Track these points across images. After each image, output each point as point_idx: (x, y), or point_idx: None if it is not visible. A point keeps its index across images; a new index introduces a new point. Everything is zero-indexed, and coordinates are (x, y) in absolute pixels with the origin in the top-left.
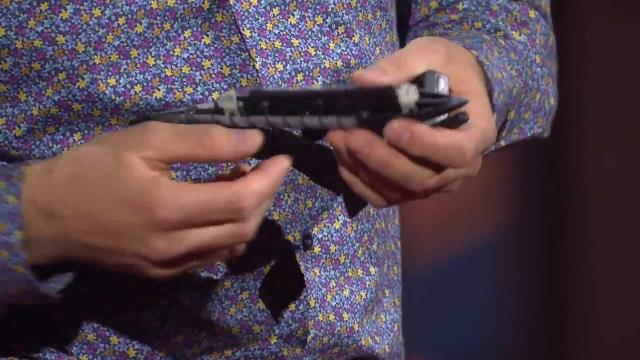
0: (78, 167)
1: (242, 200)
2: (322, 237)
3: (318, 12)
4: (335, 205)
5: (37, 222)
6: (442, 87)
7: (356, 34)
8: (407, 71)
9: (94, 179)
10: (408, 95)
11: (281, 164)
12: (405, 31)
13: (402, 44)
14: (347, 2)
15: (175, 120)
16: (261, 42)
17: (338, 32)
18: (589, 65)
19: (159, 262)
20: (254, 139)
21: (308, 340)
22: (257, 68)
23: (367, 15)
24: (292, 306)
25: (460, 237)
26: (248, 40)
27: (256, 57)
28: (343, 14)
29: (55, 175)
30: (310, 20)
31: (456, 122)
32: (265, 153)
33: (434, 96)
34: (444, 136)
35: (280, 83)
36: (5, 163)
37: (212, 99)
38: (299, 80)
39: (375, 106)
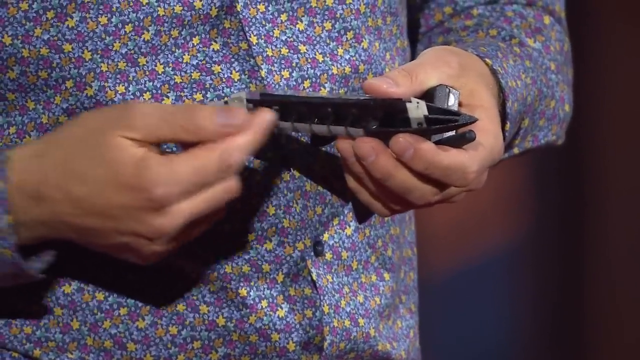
0: (66, 151)
1: (230, 156)
2: (333, 244)
3: (327, 17)
4: (346, 212)
5: (25, 206)
6: (452, 102)
7: (365, 39)
8: (419, 84)
9: (83, 163)
10: (418, 110)
11: (264, 116)
12: (417, 37)
13: (414, 49)
14: (356, 7)
15: None
16: (267, 49)
17: (347, 38)
18: (607, 71)
19: (158, 237)
20: (239, 116)
21: (325, 347)
22: (263, 75)
23: (377, 21)
24: (309, 313)
25: (477, 245)
26: (254, 47)
27: (262, 64)
28: (352, 19)
29: (44, 159)
30: (319, 26)
31: (462, 140)
32: (271, 158)
33: (443, 112)
34: (448, 156)
35: (286, 90)
36: None
37: (224, 98)
38: (305, 87)
39: (385, 118)
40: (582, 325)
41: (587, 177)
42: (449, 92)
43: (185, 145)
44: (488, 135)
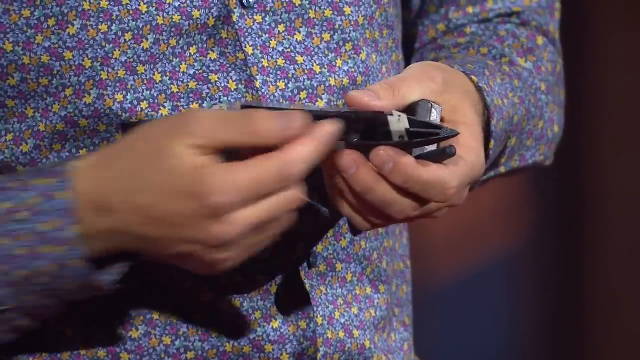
0: (127, 162)
1: (292, 167)
2: (327, 255)
3: (325, 28)
4: (341, 224)
5: (91, 217)
6: (434, 117)
7: (363, 51)
8: (401, 97)
9: (145, 172)
10: (399, 123)
11: (326, 127)
12: (410, 52)
13: (407, 65)
14: (355, 19)
15: None
16: (263, 60)
17: (346, 49)
18: (606, 78)
19: (218, 245)
20: (298, 120)
21: (318, 358)
22: (258, 86)
23: (374, 33)
24: (303, 324)
25: (476, 253)
26: (250, 58)
27: (257, 74)
28: (350, 30)
29: (106, 171)
30: (317, 37)
31: (443, 155)
32: None
33: (425, 125)
34: (427, 171)
35: (281, 101)
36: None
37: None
38: (302, 98)
39: (366, 131)
40: (582, 332)
41: (586, 185)
42: (431, 106)
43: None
44: (469, 151)
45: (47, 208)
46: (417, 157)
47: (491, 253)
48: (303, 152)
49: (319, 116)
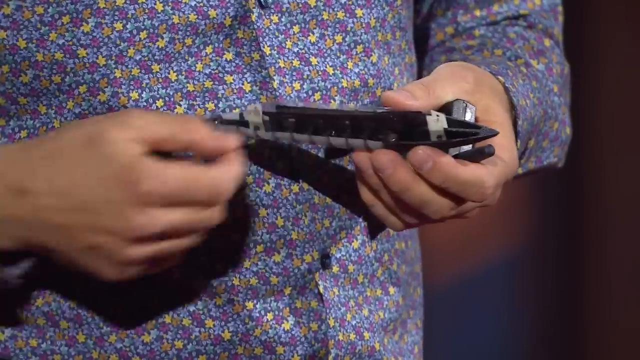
0: (56, 145)
1: (223, 185)
2: (340, 257)
3: (337, 30)
4: (354, 225)
5: (5, 200)
6: (469, 117)
7: (375, 53)
8: (436, 98)
9: (73, 156)
10: (437, 123)
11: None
12: (419, 55)
13: (418, 67)
14: (367, 21)
15: None
16: (279, 60)
17: (357, 52)
18: (608, 79)
19: (133, 239)
20: (232, 142)
21: None
22: (275, 87)
23: (387, 35)
24: (315, 326)
25: (478, 255)
26: (267, 58)
27: (274, 75)
28: (362, 33)
29: (32, 153)
30: (330, 39)
31: (481, 155)
32: (281, 170)
33: (463, 125)
34: (466, 170)
35: (297, 102)
36: None
37: (239, 109)
38: (315, 100)
39: (403, 130)
40: (583, 334)
41: (587, 186)
42: (466, 106)
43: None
44: (504, 151)
45: None
46: (455, 157)
47: (492, 255)
48: (235, 173)
49: (355, 117)
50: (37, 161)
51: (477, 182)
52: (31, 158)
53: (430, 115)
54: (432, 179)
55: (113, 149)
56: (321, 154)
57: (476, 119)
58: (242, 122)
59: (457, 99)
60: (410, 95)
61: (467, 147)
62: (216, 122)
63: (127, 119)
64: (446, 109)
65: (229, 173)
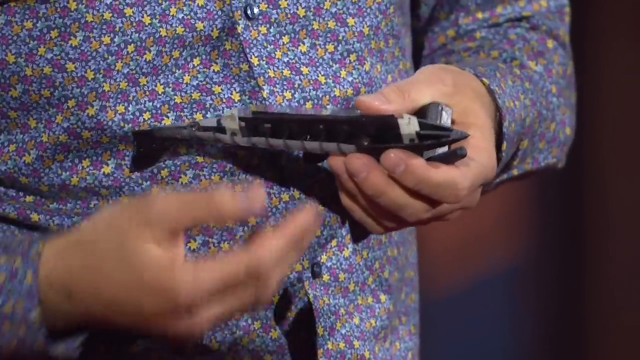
0: (91, 258)
1: (260, 265)
2: (330, 265)
3: (329, 40)
4: (344, 234)
5: (55, 299)
6: (445, 119)
7: (367, 61)
8: (412, 101)
9: (109, 266)
10: (409, 126)
11: (302, 219)
12: (420, 60)
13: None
14: (359, 30)
15: (178, 136)
16: (269, 70)
17: (350, 60)
18: (610, 87)
19: (183, 336)
20: (259, 199)
21: None
22: (265, 96)
23: (380, 43)
24: (303, 335)
25: (478, 264)
26: (256, 68)
27: (264, 85)
28: (354, 41)
29: (69, 261)
30: (321, 48)
31: (453, 157)
32: (271, 179)
33: (435, 128)
34: (438, 172)
35: (288, 111)
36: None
37: (216, 115)
38: (307, 109)
39: (377, 134)
40: (585, 342)
41: (589, 194)
42: (442, 109)
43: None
44: (481, 152)
45: (10, 288)
46: (428, 160)
47: (493, 263)
48: (272, 250)
49: (328, 121)
50: (77, 273)
51: (449, 183)
52: (71, 268)
53: (402, 118)
54: (405, 181)
55: (142, 261)
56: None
57: (453, 121)
58: (219, 129)
59: (433, 102)
60: (385, 98)
61: (443, 150)
62: (194, 128)
63: (149, 218)
64: (422, 111)
65: (264, 251)
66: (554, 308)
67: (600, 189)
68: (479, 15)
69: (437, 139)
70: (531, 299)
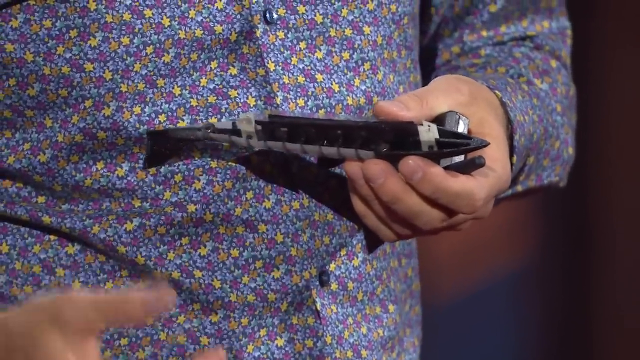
0: (7, 344)
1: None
2: (339, 274)
3: (345, 47)
4: (354, 242)
5: None
6: (462, 129)
7: (380, 71)
8: (429, 109)
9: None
10: (429, 133)
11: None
12: (425, 75)
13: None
14: (374, 39)
15: (192, 137)
16: (284, 77)
17: (364, 69)
18: (613, 95)
19: None
20: (167, 300)
21: None
22: (278, 102)
23: (392, 53)
24: (310, 343)
25: (483, 271)
26: (271, 74)
27: (278, 91)
28: (369, 50)
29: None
30: (337, 56)
31: (472, 166)
32: (282, 185)
33: (455, 136)
34: (456, 182)
35: (293, 112)
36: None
37: (231, 119)
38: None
39: (395, 141)
40: (589, 348)
41: (592, 200)
42: (459, 118)
43: None
44: (497, 163)
45: None
46: (446, 168)
47: (497, 269)
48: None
49: (346, 127)
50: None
51: (467, 193)
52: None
53: (422, 125)
54: (422, 189)
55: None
56: (322, 170)
57: (469, 131)
58: (234, 131)
59: (450, 111)
60: (403, 105)
61: (460, 159)
62: (209, 130)
63: (63, 319)
64: (439, 120)
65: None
66: (558, 314)
67: (604, 195)
68: (484, 33)
69: (456, 147)
70: (535, 305)
